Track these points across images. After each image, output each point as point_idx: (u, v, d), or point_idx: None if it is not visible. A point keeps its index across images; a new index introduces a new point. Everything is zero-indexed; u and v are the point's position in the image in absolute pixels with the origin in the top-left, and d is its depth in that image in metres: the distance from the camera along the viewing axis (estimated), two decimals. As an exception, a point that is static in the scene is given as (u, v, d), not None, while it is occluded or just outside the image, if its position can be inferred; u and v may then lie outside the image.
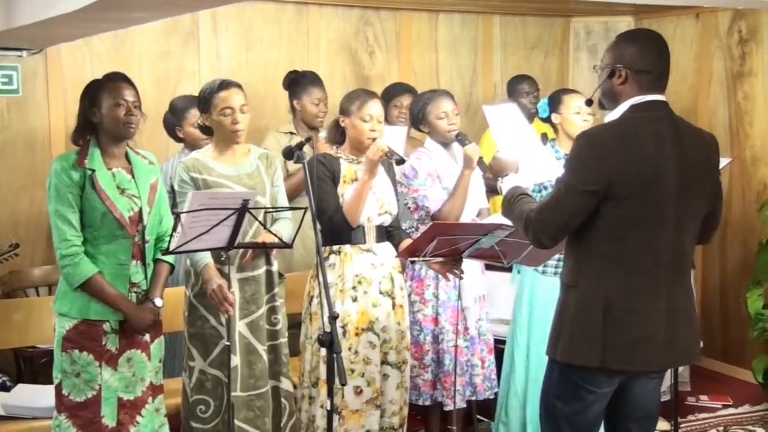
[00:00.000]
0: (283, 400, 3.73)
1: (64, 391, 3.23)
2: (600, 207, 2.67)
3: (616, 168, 2.64)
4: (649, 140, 2.69)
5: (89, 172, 3.19)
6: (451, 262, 3.63)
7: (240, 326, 3.57)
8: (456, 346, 3.91)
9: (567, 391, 2.83)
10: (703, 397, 5.13)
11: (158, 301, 3.33)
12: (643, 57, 2.73)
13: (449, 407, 4.04)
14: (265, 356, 3.63)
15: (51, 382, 3.95)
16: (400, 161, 3.63)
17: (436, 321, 4.06)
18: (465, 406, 4.14)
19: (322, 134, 4.15)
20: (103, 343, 3.23)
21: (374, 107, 3.68)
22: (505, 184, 3.06)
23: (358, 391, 3.65)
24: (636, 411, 2.91)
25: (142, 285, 3.32)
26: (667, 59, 2.79)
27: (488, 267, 4.21)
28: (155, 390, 3.39)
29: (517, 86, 5.39)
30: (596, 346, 2.70)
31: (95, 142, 3.26)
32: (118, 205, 3.22)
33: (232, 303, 3.43)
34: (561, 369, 2.84)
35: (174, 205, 3.59)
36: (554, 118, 4.02)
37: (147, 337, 3.33)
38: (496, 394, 4.22)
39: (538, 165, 3.34)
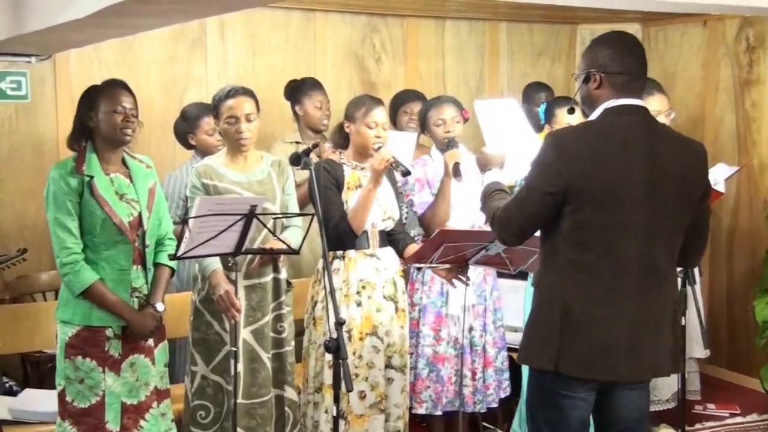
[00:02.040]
0: (286, 408, 3.72)
1: (68, 398, 3.23)
2: (562, 210, 2.64)
3: (577, 172, 2.61)
4: (616, 145, 2.64)
5: (87, 179, 3.19)
6: (457, 269, 3.63)
7: (245, 333, 3.57)
8: (463, 354, 3.90)
9: (544, 399, 2.80)
10: (711, 406, 5.10)
11: (159, 306, 3.34)
12: (615, 59, 2.69)
13: (416, 411, 4.03)
14: (269, 364, 3.63)
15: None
16: (406, 173, 3.60)
17: (417, 325, 4.06)
18: (440, 414, 4.10)
19: (328, 144, 4.15)
20: (106, 348, 3.23)
21: (379, 114, 3.69)
22: (486, 179, 3.06)
23: (362, 396, 3.65)
24: (619, 422, 2.85)
25: (143, 290, 3.33)
26: (642, 61, 2.75)
27: (500, 274, 4.19)
28: (161, 394, 3.39)
29: (534, 94, 5.29)
30: (552, 350, 2.67)
31: (92, 147, 3.26)
32: (117, 210, 3.22)
33: (239, 309, 3.43)
34: (536, 376, 2.82)
35: (187, 212, 3.59)
36: (546, 128, 4.03)
37: (150, 342, 3.34)
38: (490, 408, 4.19)
39: (525, 162, 3.32)
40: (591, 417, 2.86)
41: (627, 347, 2.67)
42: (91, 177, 3.20)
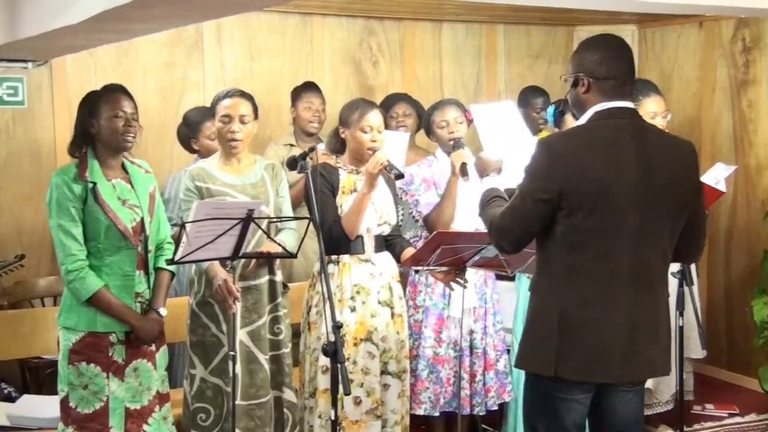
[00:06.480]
0: (285, 410, 3.73)
1: (72, 404, 3.22)
2: (556, 215, 2.64)
3: (568, 177, 2.61)
4: (606, 149, 2.64)
5: (90, 185, 3.19)
6: (455, 272, 3.62)
7: (241, 334, 3.58)
8: (462, 356, 3.90)
9: (540, 402, 2.80)
10: (709, 406, 5.11)
11: (162, 311, 3.35)
12: (603, 63, 2.69)
13: (415, 411, 4.02)
14: (266, 366, 3.63)
15: (56, 393, 3.98)
16: (399, 176, 3.58)
17: (420, 327, 4.06)
18: (437, 415, 4.09)
19: (321, 146, 4.15)
20: (110, 354, 3.23)
21: (374, 117, 3.67)
22: (484, 185, 3.05)
23: (357, 402, 3.64)
24: (615, 425, 2.84)
25: (145, 294, 3.33)
26: (630, 63, 2.75)
27: (497, 277, 4.18)
28: (162, 398, 3.40)
29: (532, 99, 5.28)
30: (550, 355, 2.67)
31: (93, 153, 3.26)
32: (121, 216, 3.22)
33: (236, 297, 3.43)
34: (532, 380, 2.83)
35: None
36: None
37: (153, 346, 3.34)
38: (490, 411, 4.18)
39: (522, 166, 3.31)
40: (587, 420, 2.86)
41: (624, 349, 2.67)
42: (95, 183, 3.20)
